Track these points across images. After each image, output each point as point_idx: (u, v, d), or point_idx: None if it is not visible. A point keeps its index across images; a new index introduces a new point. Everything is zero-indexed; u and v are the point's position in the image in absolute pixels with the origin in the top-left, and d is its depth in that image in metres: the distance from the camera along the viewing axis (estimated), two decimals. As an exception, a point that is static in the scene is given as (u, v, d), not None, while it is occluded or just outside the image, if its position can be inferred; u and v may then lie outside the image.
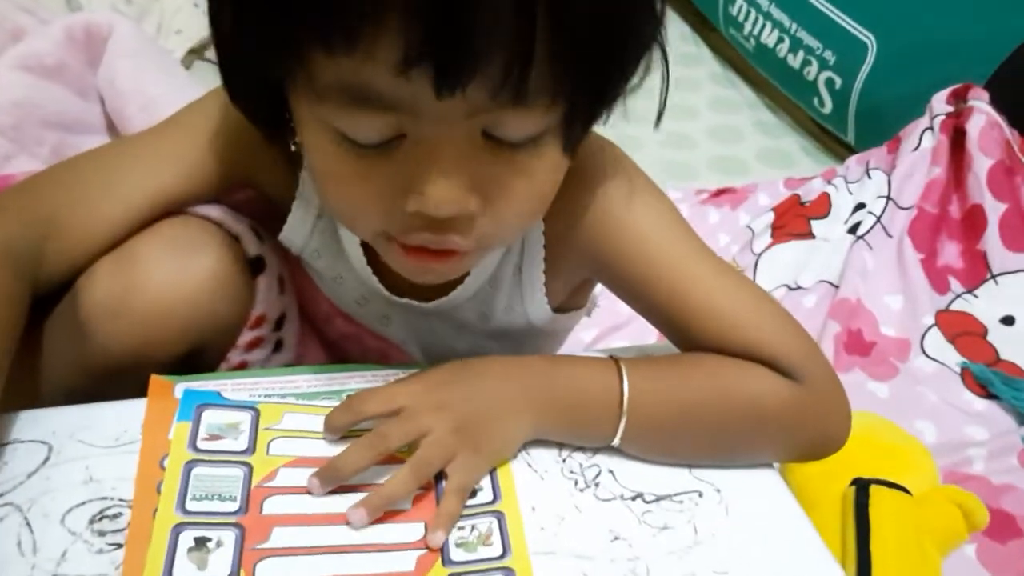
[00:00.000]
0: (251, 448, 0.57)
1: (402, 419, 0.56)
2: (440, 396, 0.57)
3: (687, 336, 0.61)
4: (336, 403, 0.60)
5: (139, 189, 0.61)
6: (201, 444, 0.57)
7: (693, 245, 0.62)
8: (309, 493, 0.55)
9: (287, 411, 0.60)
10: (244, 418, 0.59)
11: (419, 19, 0.41)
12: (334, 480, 0.55)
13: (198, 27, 1.43)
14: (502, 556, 0.54)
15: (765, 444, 0.62)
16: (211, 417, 0.59)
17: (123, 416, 0.58)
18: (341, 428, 0.58)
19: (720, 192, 1.53)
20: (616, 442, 0.60)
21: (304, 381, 0.63)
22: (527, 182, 0.51)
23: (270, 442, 0.58)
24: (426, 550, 0.53)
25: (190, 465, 0.55)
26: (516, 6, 0.41)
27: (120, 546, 0.52)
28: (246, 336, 0.67)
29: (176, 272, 0.59)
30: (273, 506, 0.54)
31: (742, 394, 0.59)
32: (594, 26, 0.44)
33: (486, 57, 0.42)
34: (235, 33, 0.48)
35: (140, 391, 0.60)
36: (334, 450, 0.57)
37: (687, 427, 0.60)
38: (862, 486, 0.91)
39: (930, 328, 1.28)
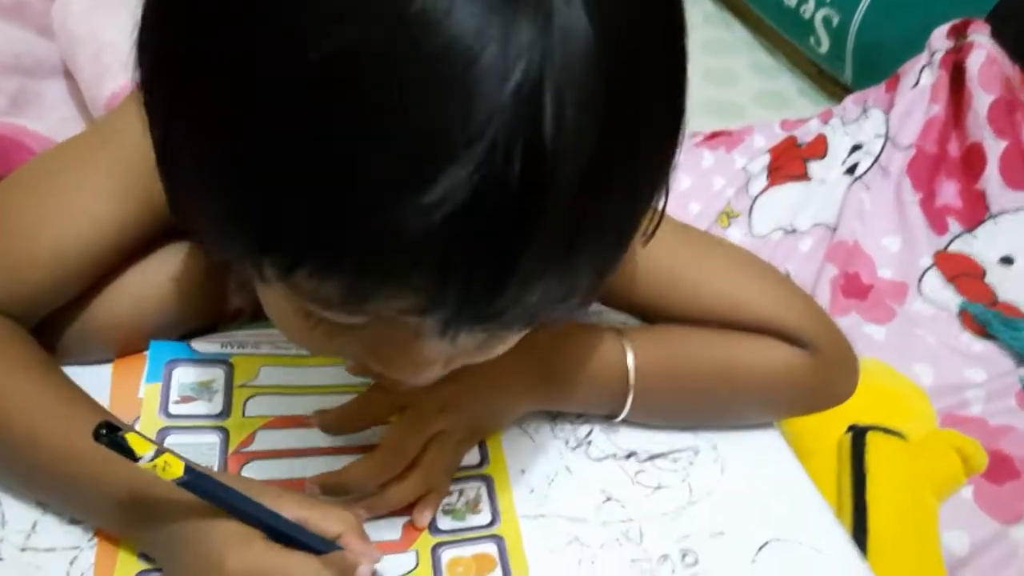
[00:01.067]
0: (226, 411, 0.55)
1: (410, 427, 0.52)
2: (444, 393, 0.52)
3: (691, 321, 0.58)
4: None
5: (82, 239, 0.51)
6: (173, 408, 0.54)
7: (680, 228, 0.58)
8: (288, 456, 0.53)
9: (263, 364, 0.57)
10: (217, 375, 0.56)
11: (448, 293, 0.34)
12: (340, 493, 0.51)
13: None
14: (491, 524, 0.52)
15: (772, 410, 0.61)
16: (182, 375, 0.56)
17: (90, 377, 0.54)
18: (338, 433, 0.55)
19: (715, 135, 1.50)
20: (621, 418, 0.58)
21: None
22: (511, 341, 0.45)
23: (246, 401, 0.56)
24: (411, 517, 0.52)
25: (163, 434, 0.53)
26: (559, 273, 0.35)
27: (93, 516, 0.50)
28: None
29: (137, 285, 0.54)
30: (251, 472, 0.52)
31: (751, 367, 0.57)
32: (622, 234, 0.38)
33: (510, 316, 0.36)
34: (192, 194, 0.38)
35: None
36: (314, 405, 0.55)
37: (694, 399, 0.58)
38: (859, 433, 0.90)
39: (928, 269, 1.26)
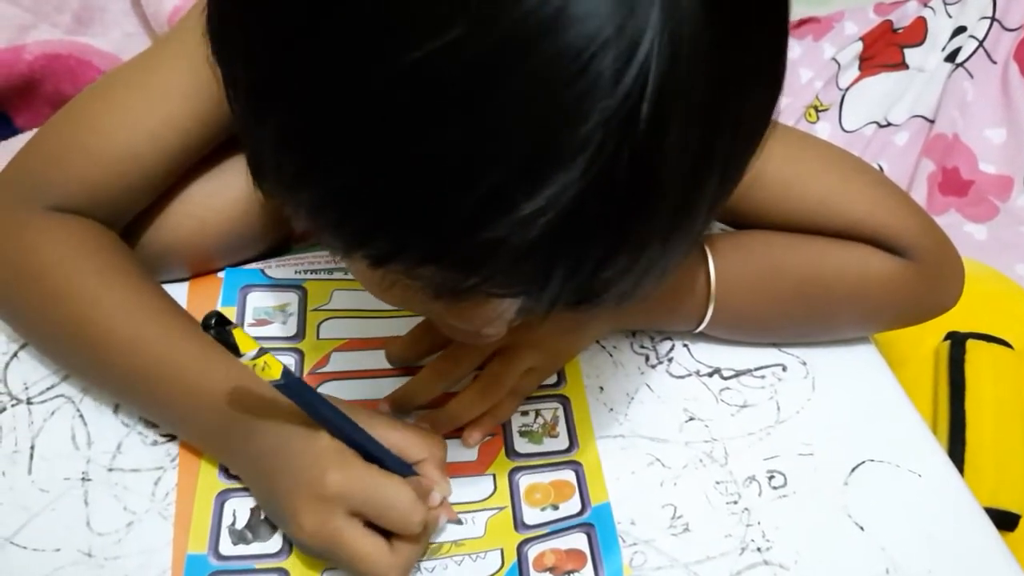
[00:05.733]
0: (301, 333, 0.55)
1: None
2: None
3: (779, 225, 0.54)
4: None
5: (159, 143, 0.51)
6: (248, 331, 0.53)
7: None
8: (363, 377, 0.53)
9: (336, 288, 0.57)
10: (291, 299, 0.56)
11: (545, 292, 0.33)
12: (407, 408, 0.51)
13: None
14: (568, 449, 0.51)
15: (866, 322, 0.57)
16: (257, 300, 0.56)
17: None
18: (406, 362, 0.54)
19: (802, 22, 1.43)
20: (701, 329, 0.55)
21: None
22: None
23: (320, 324, 0.55)
24: (489, 437, 0.51)
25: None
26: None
27: (174, 437, 0.50)
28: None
29: (200, 202, 0.54)
30: (327, 392, 0.52)
31: (841, 275, 0.54)
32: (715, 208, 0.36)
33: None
34: (277, 174, 0.35)
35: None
36: (387, 328, 0.54)
37: (779, 310, 0.55)
38: (958, 341, 0.85)
39: (1036, 162, 1.20)
